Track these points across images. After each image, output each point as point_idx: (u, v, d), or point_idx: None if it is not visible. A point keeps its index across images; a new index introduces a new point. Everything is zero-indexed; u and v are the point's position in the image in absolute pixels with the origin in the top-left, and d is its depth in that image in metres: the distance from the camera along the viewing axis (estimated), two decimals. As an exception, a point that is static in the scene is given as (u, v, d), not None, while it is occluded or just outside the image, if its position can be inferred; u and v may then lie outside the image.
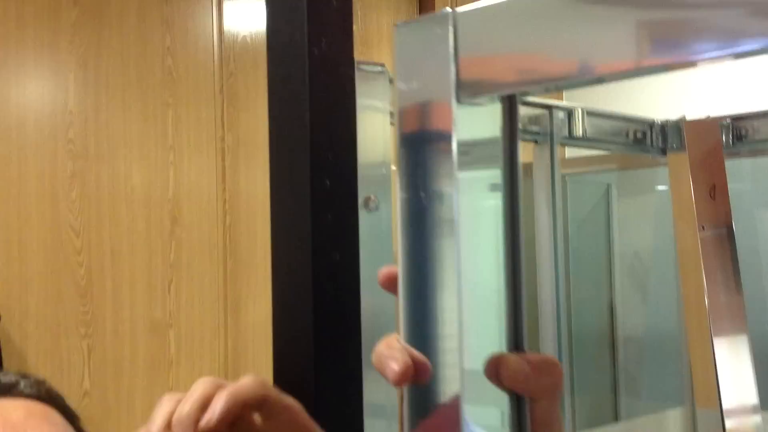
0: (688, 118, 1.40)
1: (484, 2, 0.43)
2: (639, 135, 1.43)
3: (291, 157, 0.83)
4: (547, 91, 0.44)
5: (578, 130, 1.23)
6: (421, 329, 0.46)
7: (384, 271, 0.50)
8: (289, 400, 0.60)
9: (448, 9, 0.43)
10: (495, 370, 0.45)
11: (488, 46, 0.42)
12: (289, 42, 0.81)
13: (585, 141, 1.29)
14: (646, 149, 1.47)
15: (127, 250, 2.17)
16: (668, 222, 2.43)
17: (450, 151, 0.42)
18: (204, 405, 0.55)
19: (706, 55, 0.36)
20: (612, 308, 2.68)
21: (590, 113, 1.26)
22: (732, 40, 0.34)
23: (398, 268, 0.46)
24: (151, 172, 2.22)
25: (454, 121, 0.42)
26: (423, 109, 0.44)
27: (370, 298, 0.92)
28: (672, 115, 1.50)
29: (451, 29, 0.42)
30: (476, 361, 0.47)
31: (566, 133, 1.22)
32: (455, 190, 0.43)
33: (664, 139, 1.48)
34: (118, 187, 2.16)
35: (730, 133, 1.42)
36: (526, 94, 0.42)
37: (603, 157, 2.01)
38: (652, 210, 2.52)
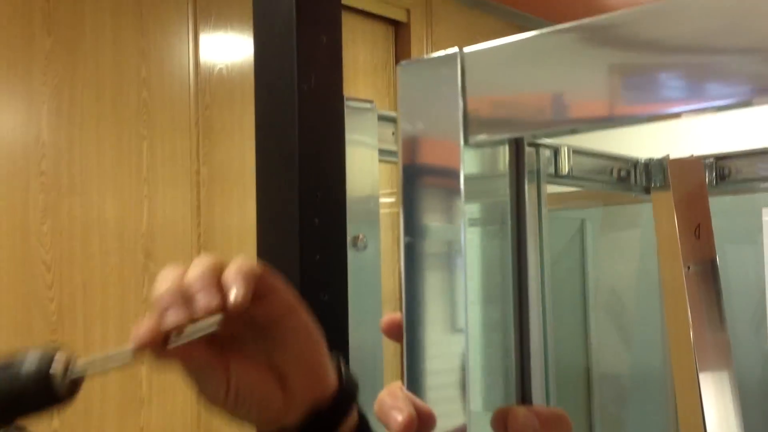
0: (672, 156, 1.41)
1: (491, 42, 0.42)
2: (623, 173, 1.44)
3: (279, 195, 0.81)
4: (556, 135, 0.43)
5: (564, 168, 1.23)
6: (426, 378, 0.45)
7: (387, 319, 0.49)
8: (279, 281, 0.56)
9: (456, 49, 0.42)
10: (503, 423, 0.44)
11: (497, 88, 0.41)
12: (278, 77, 0.80)
13: (570, 179, 1.29)
14: (629, 187, 1.48)
15: (99, 286, 2.13)
16: (645, 258, 2.44)
17: (458, 192, 0.41)
18: (218, 271, 0.52)
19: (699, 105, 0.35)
20: (587, 345, 2.68)
21: (576, 151, 1.26)
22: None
23: (402, 314, 0.45)
24: (125, 206, 2.19)
25: (462, 162, 0.41)
26: (429, 150, 0.43)
27: (358, 337, 0.90)
28: (655, 153, 1.51)
29: (459, 69, 0.41)
30: (482, 410, 0.45)
31: (552, 170, 1.22)
32: (463, 232, 0.41)
33: (648, 178, 1.49)
34: (91, 220, 2.12)
35: (714, 172, 1.43)
36: (536, 137, 0.41)
37: (578, 193, 2.02)
38: (627, 246, 2.53)
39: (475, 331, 0.43)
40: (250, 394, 0.56)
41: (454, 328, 0.43)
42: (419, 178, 0.43)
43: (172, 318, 0.51)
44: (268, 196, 0.85)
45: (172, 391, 2.26)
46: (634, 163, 1.47)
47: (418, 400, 0.44)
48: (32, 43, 2.06)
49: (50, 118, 2.08)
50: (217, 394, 0.56)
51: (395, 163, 1.25)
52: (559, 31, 0.39)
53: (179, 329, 0.52)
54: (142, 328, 0.51)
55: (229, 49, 2.44)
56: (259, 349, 0.57)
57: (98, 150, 2.15)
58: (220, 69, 2.42)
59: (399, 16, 2.86)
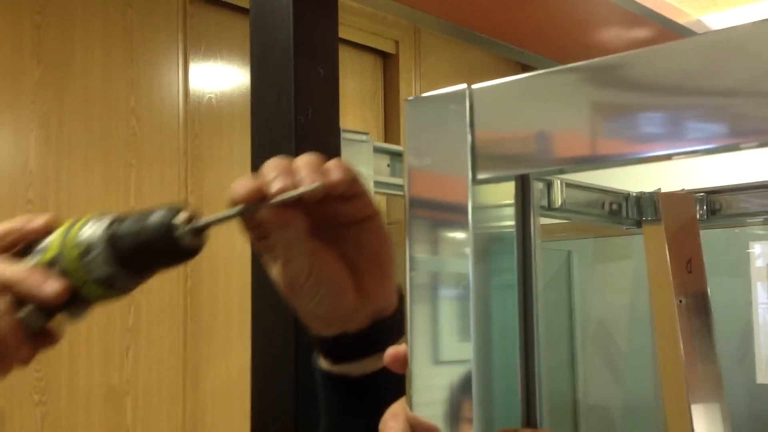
0: (663, 190, 1.42)
1: (499, 80, 0.42)
2: (615, 206, 1.45)
3: (274, 226, 0.81)
4: (563, 173, 0.44)
5: (557, 201, 1.24)
6: (432, 408, 0.44)
7: (392, 351, 0.49)
8: (366, 187, 0.60)
9: (464, 85, 0.42)
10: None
11: (505, 125, 0.41)
12: (275, 109, 0.80)
13: (563, 212, 1.30)
14: (621, 221, 1.49)
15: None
16: (636, 290, 2.45)
17: (466, 227, 0.41)
18: (321, 162, 0.57)
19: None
20: (574, 377, 2.67)
21: (568, 184, 1.27)
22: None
23: (407, 347, 0.45)
24: (112, 234, 2.17)
25: (471, 198, 0.41)
26: (436, 184, 0.43)
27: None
28: (646, 187, 1.52)
29: (467, 106, 0.41)
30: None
31: (545, 203, 1.23)
32: (471, 266, 0.41)
33: (639, 211, 1.50)
34: (78, 248, 2.11)
35: (705, 206, 1.45)
36: (545, 174, 0.41)
37: (565, 225, 2.03)
38: (617, 278, 2.54)
39: (481, 363, 0.43)
40: (327, 281, 0.60)
41: (459, 357, 0.43)
42: (426, 213, 0.43)
43: (278, 183, 0.55)
44: (263, 228, 0.84)
45: (157, 420, 2.23)
46: (626, 197, 1.48)
47: (422, 420, 0.44)
48: (21, 71, 2.05)
49: (38, 147, 2.07)
50: (299, 274, 0.60)
51: (390, 194, 1.25)
52: (567, 70, 0.40)
53: (282, 191, 0.55)
54: (243, 182, 0.56)
55: (218, 78, 2.45)
56: (339, 248, 0.61)
57: (86, 178, 2.14)
58: (210, 98, 2.42)
59: (388, 47, 2.88)
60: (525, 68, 3.14)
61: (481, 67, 3.12)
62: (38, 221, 0.65)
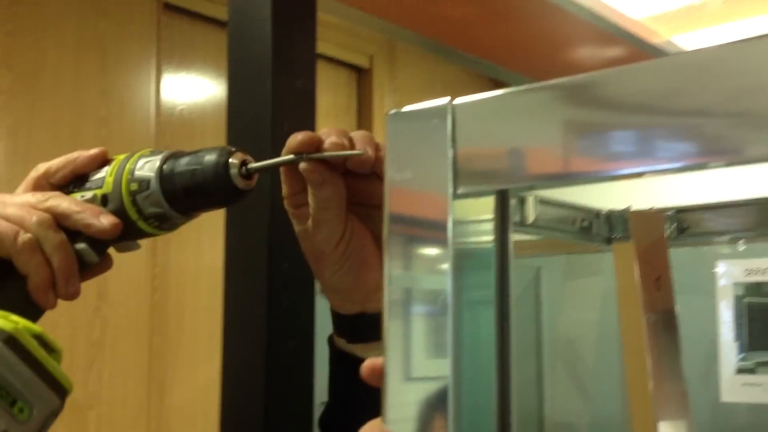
0: (634, 208, 1.43)
1: (481, 94, 0.42)
2: (585, 224, 1.45)
3: (248, 237, 0.80)
4: (543, 188, 0.44)
5: (530, 217, 1.25)
6: (408, 425, 0.44)
7: (368, 364, 0.49)
8: None
9: (447, 99, 0.42)
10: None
11: (487, 139, 0.41)
12: (252, 122, 0.79)
13: (535, 228, 1.30)
14: (591, 238, 1.49)
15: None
16: (605, 307, 2.46)
17: (446, 243, 0.41)
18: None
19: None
20: (541, 394, 2.68)
21: (541, 201, 1.28)
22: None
23: (385, 360, 0.44)
24: (80, 245, 2.15)
25: (451, 213, 0.41)
26: (417, 199, 0.43)
27: (324, 384, 0.89)
28: (617, 204, 1.53)
29: (449, 120, 0.41)
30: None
31: (518, 219, 1.24)
32: (450, 283, 0.41)
33: (610, 229, 1.50)
34: (44, 259, 2.08)
35: (674, 224, 1.46)
36: (526, 189, 0.42)
37: (534, 242, 2.03)
38: (586, 295, 2.55)
39: (457, 380, 0.43)
40: (355, 254, 0.63)
41: (434, 374, 0.43)
42: (406, 228, 0.43)
43: (334, 138, 0.59)
44: (236, 240, 0.84)
45: (122, 436, 2.20)
46: (596, 214, 1.49)
47: None
48: (-10, 79, 2.03)
49: (6, 156, 2.04)
50: (329, 239, 0.63)
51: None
52: (549, 87, 0.40)
53: (335, 147, 0.59)
54: (300, 133, 0.60)
55: (191, 89, 2.43)
56: (370, 226, 0.64)
57: (54, 188, 2.12)
58: (182, 109, 2.41)
59: (362, 62, 2.88)
60: (498, 84, 3.15)
61: (455, 83, 3.14)
62: (89, 154, 0.65)
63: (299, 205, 0.65)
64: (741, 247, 2.09)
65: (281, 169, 0.65)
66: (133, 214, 0.62)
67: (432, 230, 0.42)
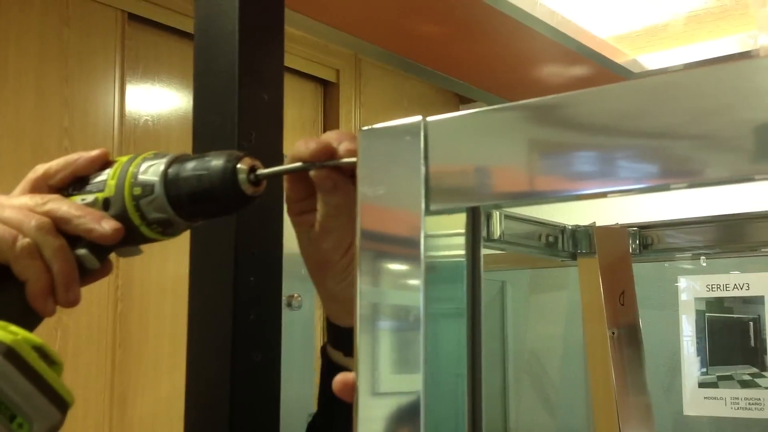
0: (598, 224, 1.45)
1: (454, 113, 0.43)
2: (551, 239, 1.47)
3: (214, 251, 0.80)
4: (514, 206, 0.44)
5: (496, 232, 1.26)
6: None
7: (340, 378, 0.49)
8: None
9: (419, 117, 0.42)
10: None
11: (458, 157, 0.42)
12: (218, 134, 0.79)
13: (501, 243, 1.32)
14: (557, 253, 1.51)
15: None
16: (569, 321, 2.48)
17: (418, 260, 0.41)
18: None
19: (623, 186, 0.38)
20: (505, 407, 2.69)
21: (507, 216, 1.29)
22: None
23: (356, 375, 0.44)
24: (41, 256, 2.11)
25: (423, 229, 0.41)
26: (389, 215, 0.43)
27: (290, 396, 0.88)
28: (582, 220, 1.55)
29: (422, 137, 0.42)
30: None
31: (484, 234, 1.24)
32: (422, 299, 0.41)
33: (575, 244, 1.53)
34: (4, 270, 2.05)
35: (638, 240, 1.49)
36: (497, 206, 0.42)
37: (499, 256, 2.05)
38: (552, 309, 2.57)
39: (429, 395, 0.43)
40: None
41: (406, 389, 0.42)
42: (378, 244, 0.43)
43: (347, 145, 0.57)
44: (202, 252, 0.83)
45: (82, 451, 2.17)
46: (562, 229, 1.51)
47: None
48: (-49, 87, 2.00)
49: (-34, 165, 2.01)
50: (336, 249, 0.61)
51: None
52: (520, 106, 0.40)
53: (348, 154, 0.58)
54: (310, 140, 0.58)
55: (156, 100, 2.42)
56: None
57: (15, 198, 2.08)
58: (146, 120, 2.39)
59: (328, 75, 2.89)
60: (463, 100, 3.17)
61: (420, 98, 3.15)
62: (91, 155, 0.63)
63: (303, 211, 0.63)
64: (703, 263, 2.12)
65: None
66: (136, 219, 0.60)
67: (403, 246, 0.42)
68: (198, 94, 0.83)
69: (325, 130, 2.87)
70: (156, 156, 0.61)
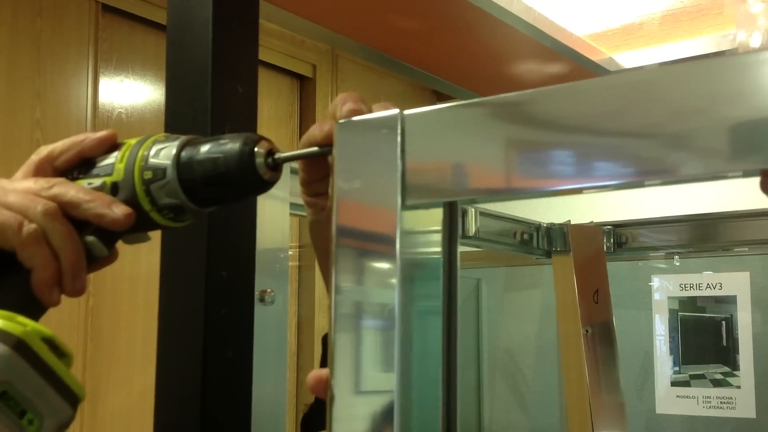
0: (573, 222, 1.46)
1: (430, 107, 0.42)
2: (526, 236, 1.47)
3: (186, 245, 0.79)
4: (493, 200, 0.43)
5: (471, 229, 1.26)
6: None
7: (314, 374, 0.48)
8: None
9: (396, 111, 0.41)
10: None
11: (435, 151, 0.41)
12: (191, 125, 0.78)
13: (476, 240, 1.32)
14: (531, 250, 1.52)
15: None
16: (544, 319, 2.49)
17: (394, 255, 0.40)
18: None
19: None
20: (479, 404, 2.69)
21: (483, 213, 1.29)
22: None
23: (330, 371, 0.43)
24: (10, 250, 2.08)
25: (399, 224, 0.41)
26: (366, 210, 0.42)
27: (261, 393, 0.87)
28: (557, 218, 1.55)
29: (399, 131, 0.41)
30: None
31: (460, 231, 1.24)
32: (397, 293, 0.41)
33: (549, 242, 1.53)
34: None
35: (612, 239, 1.49)
36: (473, 201, 0.41)
37: (475, 254, 2.05)
38: (526, 306, 2.57)
39: (403, 393, 0.42)
40: None
41: (382, 387, 0.42)
42: (354, 238, 0.42)
43: (350, 105, 0.53)
44: (174, 246, 0.82)
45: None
46: (537, 227, 1.51)
47: None
48: None
49: (-66, 156, 1.97)
50: None
51: (305, 216, 1.24)
52: (496, 102, 0.40)
53: None
54: (325, 124, 0.54)
55: (129, 92, 2.39)
56: None
57: (-16, 191, 2.05)
58: (120, 113, 2.36)
59: (305, 70, 2.87)
60: (440, 97, 3.17)
61: (397, 95, 3.15)
62: (98, 136, 0.60)
63: (318, 193, 0.61)
64: (676, 262, 2.13)
65: None
66: (146, 205, 0.57)
67: (379, 242, 0.41)
68: (171, 87, 0.82)
69: (301, 126, 2.86)
70: (167, 138, 0.59)
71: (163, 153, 0.57)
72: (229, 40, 0.80)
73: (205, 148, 0.56)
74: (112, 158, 0.60)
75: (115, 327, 2.29)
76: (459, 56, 2.36)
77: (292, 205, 0.92)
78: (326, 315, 2.61)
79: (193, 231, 0.78)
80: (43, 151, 0.61)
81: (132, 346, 2.31)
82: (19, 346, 0.49)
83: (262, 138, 0.56)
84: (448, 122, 0.41)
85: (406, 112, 0.41)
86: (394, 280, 0.40)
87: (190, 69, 0.80)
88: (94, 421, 2.23)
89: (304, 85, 2.91)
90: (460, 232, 1.36)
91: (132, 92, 2.39)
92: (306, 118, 2.89)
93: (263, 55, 2.84)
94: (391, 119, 0.41)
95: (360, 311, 0.42)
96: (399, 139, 0.41)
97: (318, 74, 2.89)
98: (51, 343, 0.51)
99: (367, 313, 0.42)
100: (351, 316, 0.42)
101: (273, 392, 0.90)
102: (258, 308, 0.87)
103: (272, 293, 0.87)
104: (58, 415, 0.50)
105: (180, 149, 0.57)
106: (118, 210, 0.56)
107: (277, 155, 0.55)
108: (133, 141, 0.61)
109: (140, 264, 2.30)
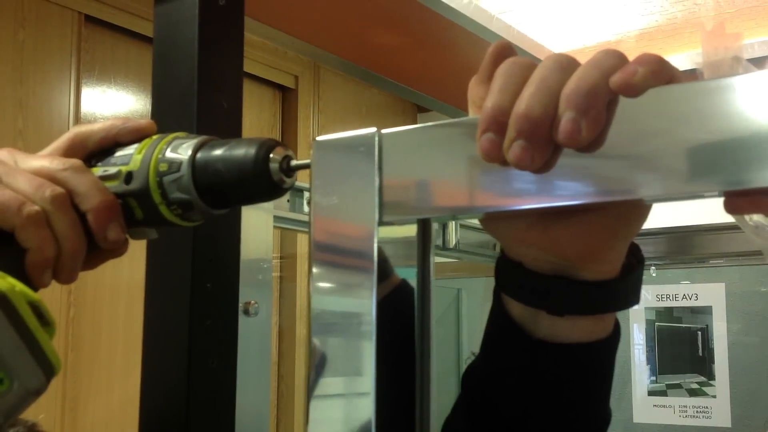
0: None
1: (407, 126, 0.44)
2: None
3: (171, 256, 0.80)
4: (466, 217, 0.46)
5: (451, 241, 1.28)
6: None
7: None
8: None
9: (374, 129, 0.43)
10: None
11: (411, 170, 0.43)
12: (177, 140, 0.79)
13: (456, 251, 1.34)
14: (510, 261, 1.53)
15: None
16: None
17: (371, 270, 0.42)
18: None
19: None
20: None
21: (462, 225, 1.31)
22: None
23: (309, 381, 0.45)
24: (-8, 260, 2.08)
25: (376, 239, 0.43)
26: (342, 226, 0.44)
27: (245, 403, 0.89)
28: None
29: (376, 149, 0.43)
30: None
31: (440, 243, 1.26)
32: (374, 307, 0.42)
33: (528, 253, 1.54)
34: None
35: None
36: (450, 219, 0.43)
37: (455, 264, 2.07)
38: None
39: (380, 403, 0.44)
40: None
41: (358, 398, 0.43)
42: (331, 253, 0.44)
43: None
44: (159, 257, 0.83)
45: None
46: (515, 238, 1.53)
47: None
48: None
49: None
50: None
51: (288, 229, 1.26)
52: (469, 123, 0.42)
53: None
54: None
55: (112, 103, 2.40)
56: None
57: (-34, 200, 2.05)
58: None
59: (287, 82, 2.89)
60: (421, 109, 3.20)
61: (378, 106, 3.17)
62: (139, 124, 0.61)
63: None
64: (653, 273, 2.16)
65: None
66: (156, 197, 0.58)
67: (356, 256, 0.43)
68: (156, 101, 0.83)
69: (283, 136, 2.87)
70: (188, 136, 0.60)
71: (182, 148, 0.58)
72: (215, 57, 0.82)
73: (221, 149, 0.57)
74: (131, 149, 0.61)
75: (96, 337, 2.30)
76: (438, 71, 2.38)
77: (276, 219, 0.94)
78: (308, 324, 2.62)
79: (179, 243, 0.79)
80: (82, 129, 0.62)
81: (113, 355, 2.32)
82: (2, 300, 0.48)
83: (278, 144, 0.56)
84: (424, 141, 0.43)
85: (384, 131, 0.43)
86: (370, 293, 0.42)
87: (175, 84, 0.81)
88: (75, 430, 2.23)
89: (287, 96, 2.93)
90: (440, 243, 1.38)
91: (114, 102, 2.40)
92: (288, 129, 2.90)
93: (246, 66, 2.84)
94: (369, 138, 0.43)
95: (337, 323, 0.44)
96: (376, 157, 0.43)
97: (300, 85, 2.91)
98: (36, 310, 0.51)
99: (344, 324, 0.43)
100: (329, 325, 0.44)
101: (256, 401, 0.92)
102: (242, 319, 0.89)
103: (256, 305, 0.88)
104: (29, 380, 0.49)
105: (198, 147, 0.58)
106: (112, 234, 0.58)
107: (293, 163, 0.55)
108: (155, 136, 0.62)
109: (121, 275, 2.30)
